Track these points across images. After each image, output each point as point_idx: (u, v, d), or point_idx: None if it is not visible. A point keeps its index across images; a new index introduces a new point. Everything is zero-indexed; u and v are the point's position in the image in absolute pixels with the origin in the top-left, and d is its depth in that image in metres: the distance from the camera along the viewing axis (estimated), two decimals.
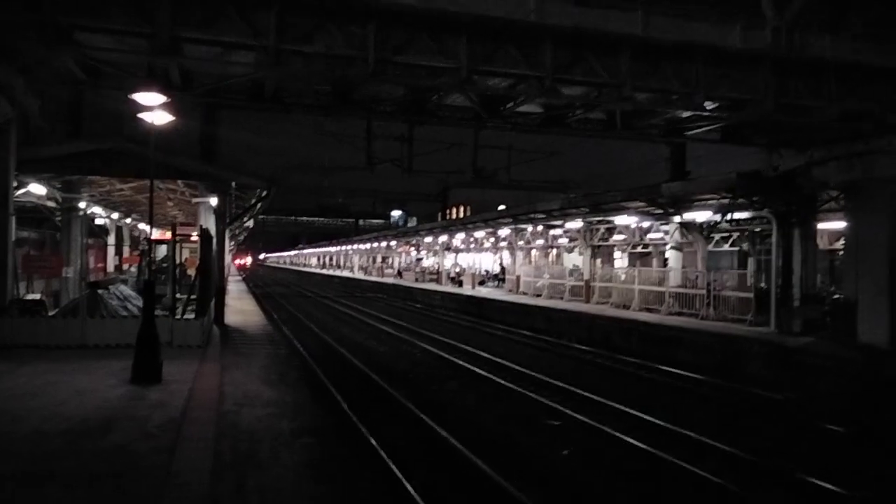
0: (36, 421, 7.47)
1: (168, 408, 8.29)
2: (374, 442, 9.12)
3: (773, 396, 12.99)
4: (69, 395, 8.78)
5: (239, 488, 6.10)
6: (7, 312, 13.03)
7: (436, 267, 50.45)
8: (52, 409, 8.03)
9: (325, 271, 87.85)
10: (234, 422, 8.00)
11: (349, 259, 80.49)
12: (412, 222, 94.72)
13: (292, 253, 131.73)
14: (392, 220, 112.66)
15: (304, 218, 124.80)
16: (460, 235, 43.63)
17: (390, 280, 53.73)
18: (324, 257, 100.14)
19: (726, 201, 19.48)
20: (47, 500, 5.33)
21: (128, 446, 6.74)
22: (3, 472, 5.86)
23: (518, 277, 34.71)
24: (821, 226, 20.06)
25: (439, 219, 73.52)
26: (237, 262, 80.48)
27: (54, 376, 10.03)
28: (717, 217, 21.35)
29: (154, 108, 10.73)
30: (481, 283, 42.45)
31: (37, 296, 17.53)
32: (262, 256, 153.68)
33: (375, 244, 65.39)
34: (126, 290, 16.91)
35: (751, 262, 25.91)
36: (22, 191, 17.78)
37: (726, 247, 27.81)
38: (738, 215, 20.83)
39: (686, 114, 17.79)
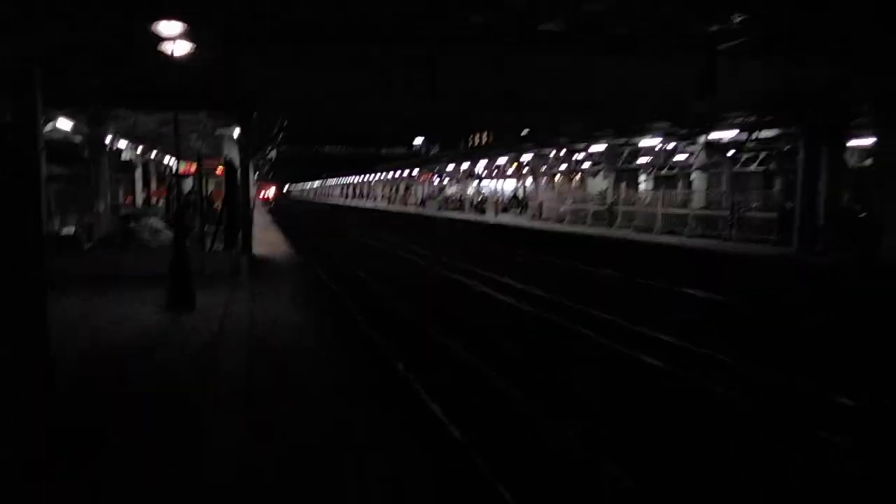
0: (83, 345, 7.94)
1: (204, 332, 8.73)
2: (399, 365, 9.59)
3: (787, 315, 13.06)
4: (110, 321, 9.27)
5: (274, 400, 6.49)
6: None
7: (459, 195, 50.44)
8: (96, 334, 8.51)
9: (348, 202, 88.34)
10: (266, 343, 8.40)
11: (372, 189, 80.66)
12: (434, 149, 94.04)
13: (315, 184, 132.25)
14: (414, 148, 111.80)
15: (327, 147, 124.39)
16: (483, 162, 43.41)
17: (413, 209, 53.97)
18: (346, 188, 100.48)
19: (753, 119, 19.08)
20: (100, 418, 5.75)
21: (170, 367, 7.18)
22: (58, 393, 6.31)
23: (541, 203, 34.67)
24: (851, 143, 19.61)
25: (461, 145, 72.81)
26: (261, 194, 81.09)
27: (94, 305, 10.55)
28: (744, 136, 20.99)
29: (175, 38, 10.74)
30: (504, 209, 42.47)
31: (71, 230, 18.07)
32: (285, 188, 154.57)
33: (398, 173, 65.33)
34: (156, 222, 17.33)
35: (777, 182, 25.53)
36: (49, 126, 18.06)
37: (753, 167, 27.35)
38: (765, 133, 20.43)
39: (714, 27, 17.24)
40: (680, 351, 10.19)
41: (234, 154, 18.69)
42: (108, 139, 22.62)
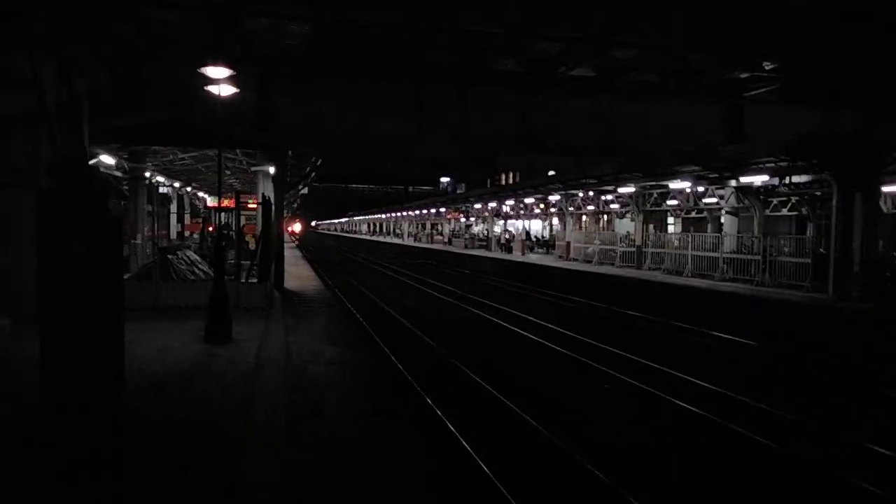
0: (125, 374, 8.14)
1: (241, 364, 8.90)
2: (429, 400, 9.60)
3: (826, 362, 12.90)
4: (151, 352, 9.49)
5: (312, 436, 6.59)
6: None
7: (485, 233, 50.66)
8: (137, 364, 8.69)
9: (375, 238, 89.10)
10: (302, 377, 8.54)
11: (398, 226, 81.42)
12: (460, 188, 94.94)
13: (343, 220, 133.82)
14: (440, 186, 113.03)
15: (355, 185, 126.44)
16: (509, 202, 43.65)
17: (440, 246, 54.24)
18: (374, 224, 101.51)
19: (784, 164, 19.03)
20: (142, 446, 5.90)
21: (209, 397, 7.33)
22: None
23: (568, 244, 34.66)
24: (885, 188, 19.45)
25: (488, 184, 73.43)
26: (290, 228, 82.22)
27: (134, 335, 10.75)
28: (775, 181, 20.90)
29: (220, 81, 11.18)
30: (531, 249, 42.53)
31: None
32: (313, 223, 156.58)
33: (424, 211, 65.91)
34: (193, 255, 17.75)
35: (810, 227, 25.27)
36: (93, 161, 18.73)
37: (784, 211, 27.11)
38: (796, 179, 20.33)
39: (744, 74, 17.45)
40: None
41: (268, 190, 19.15)
42: (147, 174, 23.37)
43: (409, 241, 68.45)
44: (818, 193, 23.13)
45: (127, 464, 5.01)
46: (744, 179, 21.44)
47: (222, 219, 26.43)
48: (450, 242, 55.96)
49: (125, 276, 16.93)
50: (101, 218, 2.73)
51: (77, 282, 2.72)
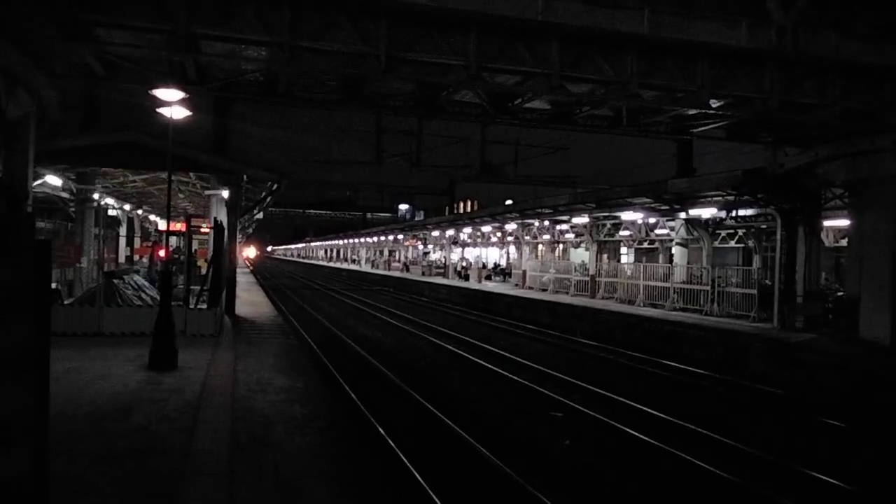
0: (60, 403, 7.77)
1: (185, 393, 8.63)
2: (381, 430, 9.46)
3: (772, 391, 13.21)
4: (90, 379, 9.13)
5: (255, 468, 6.39)
6: None
7: (442, 261, 50.72)
8: (74, 392, 8.37)
9: (332, 264, 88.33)
10: (249, 406, 8.31)
11: (356, 252, 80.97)
12: (419, 216, 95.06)
13: (300, 245, 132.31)
14: (399, 213, 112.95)
15: (312, 211, 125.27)
16: (467, 230, 43.89)
17: (397, 273, 54.05)
18: (331, 250, 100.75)
19: (732, 198, 19.65)
20: (76, 478, 5.64)
21: (149, 428, 7.07)
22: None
23: (524, 272, 34.95)
24: (827, 223, 20.24)
25: (446, 213, 73.74)
26: (244, 253, 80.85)
27: (74, 362, 10.37)
28: (723, 214, 21.54)
29: (172, 104, 11.01)
30: (488, 277, 42.71)
31: (52, 285, 17.91)
32: (269, 248, 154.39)
33: (382, 237, 65.76)
34: (140, 280, 17.25)
35: (756, 258, 26.07)
36: (38, 182, 18.14)
37: (732, 243, 27.96)
38: (743, 212, 21.00)
39: (692, 111, 17.98)
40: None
41: (222, 214, 18.82)
42: (95, 196, 22.72)
43: (367, 268, 68.06)
44: (763, 226, 23.94)
45: (55, 501, 4.77)
46: (693, 212, 22.05)
47: (173, 243, 25.87)
48: (407, 269, 55.84)
49: (69, 301, 16.34)
50: (27, 242, 2.61)
51: None
